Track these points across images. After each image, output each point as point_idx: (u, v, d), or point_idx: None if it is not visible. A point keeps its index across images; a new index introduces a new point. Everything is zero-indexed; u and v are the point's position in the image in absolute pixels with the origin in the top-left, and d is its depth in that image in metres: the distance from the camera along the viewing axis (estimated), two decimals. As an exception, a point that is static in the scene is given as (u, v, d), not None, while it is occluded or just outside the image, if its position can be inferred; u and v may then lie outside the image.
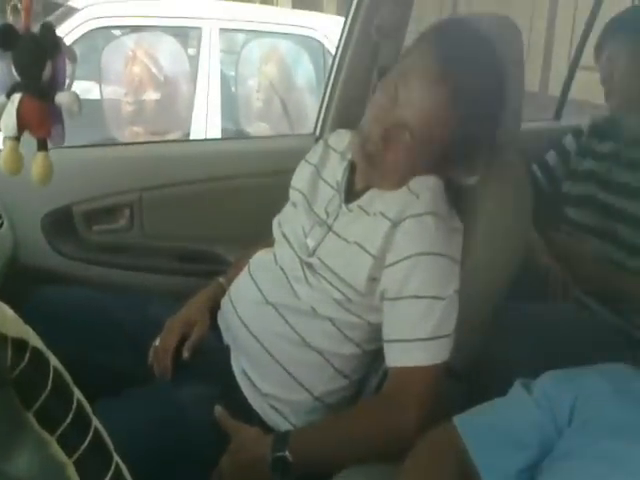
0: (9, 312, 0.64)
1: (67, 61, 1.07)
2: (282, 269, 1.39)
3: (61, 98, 1.05)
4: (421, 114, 1.23)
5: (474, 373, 1.38)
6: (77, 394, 0.69)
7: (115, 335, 1.41)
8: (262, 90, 3.63)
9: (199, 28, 3.40)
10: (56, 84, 1.06)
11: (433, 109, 1.23)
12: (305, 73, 3.70)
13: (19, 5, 1.02)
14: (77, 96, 1.06)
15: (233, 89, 3.65)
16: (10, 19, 1.06)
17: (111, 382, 1.28)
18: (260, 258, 1.48)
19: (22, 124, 1.05)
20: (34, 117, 1.05)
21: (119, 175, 1.82)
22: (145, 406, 1.26)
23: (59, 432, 0.66)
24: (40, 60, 1.02)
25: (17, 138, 1.06)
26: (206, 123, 3.24)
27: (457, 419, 1.03)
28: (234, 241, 1.82)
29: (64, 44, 1.07)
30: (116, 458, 0.71)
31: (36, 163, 1.09)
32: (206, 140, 3.02)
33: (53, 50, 1.04)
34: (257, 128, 3.52)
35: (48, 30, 1.05)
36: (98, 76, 3.26)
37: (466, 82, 1.23)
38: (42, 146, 1.09)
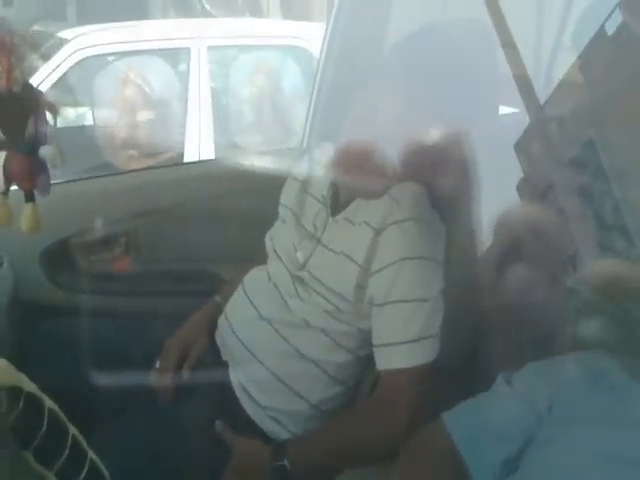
0: (1, 362, 0.71)
1: (48, 115, 1.14)
2: (275, 285, 1.44)
3: (45, 151, 1.12)
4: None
5: (463, 369, 1.42)
6: (72, 430, 0.77)
7: (117, 361, 1.45)
8: (253, 102, 3.68)
9: (187, 48, 3.47)
10: (39, 138, 1.12)
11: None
12: (295, 83, 3.74)
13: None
14: (60, 149, 1.13)
15: (224, 101, 3.70)
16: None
17: (115, 406, 1.35)
18: (254, 275, 1.53)
19: (9, 179, 1.13)
20: (20, 172, 1.12)
21: (112, 205, 1.88)
22: (148, 427, 1.33)
23: (57, 467, 0.73)
24: (23, 118, 1.08)
25: (5, 193, 1.13)
26: (199, 141, 3.30)
27: (445, 416, 1.08)
28: (229, 259, 1.86)
29: (45, 99, 1.14)
30: None
31: (25, 214, 1.15)
32: (194, 163, 3.08)
33: (35, 107, 1.11)
34: (250, 140, 3.57)
35: (29, 89, 1.12)
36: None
37: (437, 92, 1.29)
38: (29, 198, 1.16)
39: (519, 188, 1.48)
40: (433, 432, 1.08)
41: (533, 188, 1.63)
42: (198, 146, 3.31)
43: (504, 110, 1.66)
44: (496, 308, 1.36)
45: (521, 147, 1.51)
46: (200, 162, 3.07)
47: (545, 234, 1.45)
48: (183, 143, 3.33)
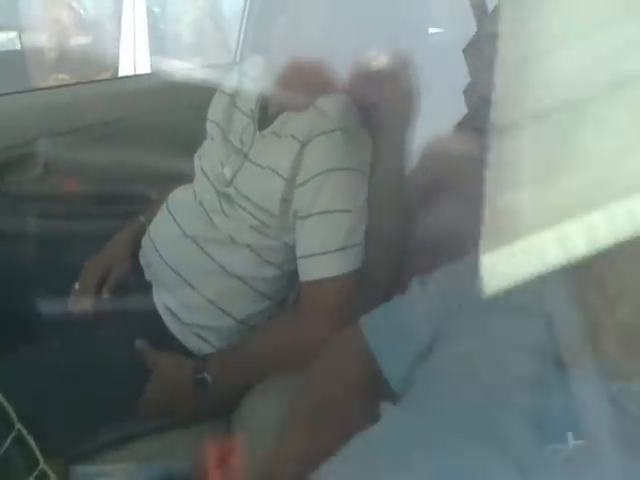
0: None
1: None
2: (201, 203, 1.41)
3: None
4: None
5: (387, 279, 1.40)
6: None
7: (35, 284, 1.41)
8: (193, 24, 3.55)
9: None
10: None
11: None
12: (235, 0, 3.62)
13: None
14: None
15: (162, 26, 3.56)
16: None
17: (35, 330, 1.31)
18: (179, 194, 1.51)
19: None
20: None
21: (30, 123, 1.79)
22: (69, 349, 1.28)
23: None
24: None
25: None
26: (134, 63, 3.17)
27: (361, 320, 1.07)
28: (155, 179, 1.77)
29: None
30: (18, 425, 0.74)
31: None
32: (118, 79, 2.96)
33: None
34: (190, 63, 3.44)
35: None
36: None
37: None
38: None
39: (466, 92, 1.46)
40: (349, 335, 1.08)
41: (479, 92, 1.61)
42: (133, 69, 3.17)
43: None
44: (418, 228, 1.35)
45: (469, 52, 1.48)
46: (121, 78, 2.93)
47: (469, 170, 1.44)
48: (117, 67, 3.18)
